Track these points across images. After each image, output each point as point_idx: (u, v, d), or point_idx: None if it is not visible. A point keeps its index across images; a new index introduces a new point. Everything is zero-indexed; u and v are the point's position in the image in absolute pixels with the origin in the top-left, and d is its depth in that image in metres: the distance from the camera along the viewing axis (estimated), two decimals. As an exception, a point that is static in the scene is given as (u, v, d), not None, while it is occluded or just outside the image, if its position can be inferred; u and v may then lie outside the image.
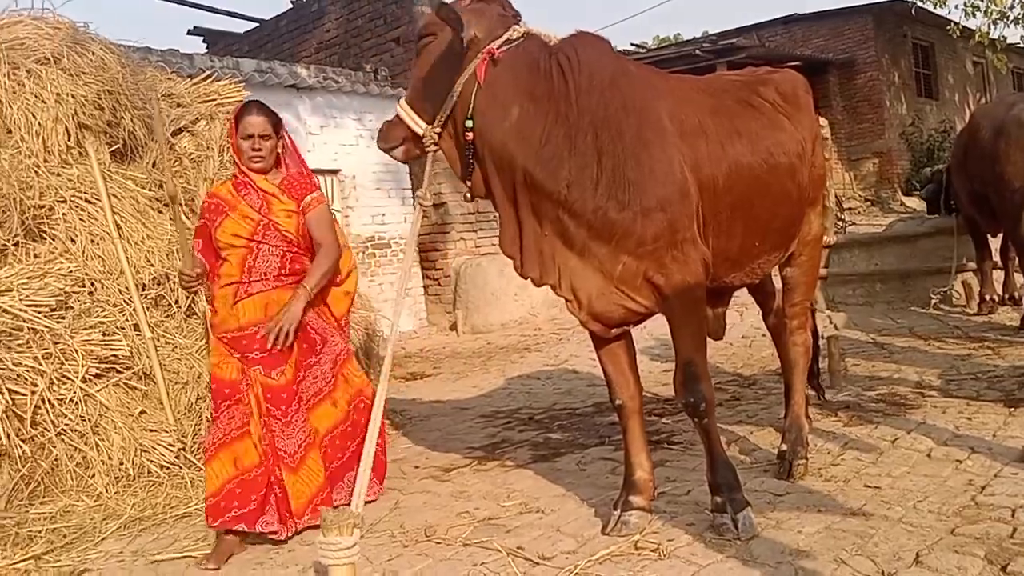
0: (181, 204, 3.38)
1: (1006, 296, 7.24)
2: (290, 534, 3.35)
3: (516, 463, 4.24)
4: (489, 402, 6.01)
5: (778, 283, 3.93)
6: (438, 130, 2.96)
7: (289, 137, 3.61)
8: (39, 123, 4.35)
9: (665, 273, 2.89)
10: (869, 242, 8.56)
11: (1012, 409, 4.23)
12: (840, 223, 8.91)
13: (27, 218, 4.18)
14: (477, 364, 7.95)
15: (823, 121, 3.93)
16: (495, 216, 3.10)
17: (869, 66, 18.52)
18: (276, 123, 3.46)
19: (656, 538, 2.99)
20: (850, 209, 15.42)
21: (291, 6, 12.92)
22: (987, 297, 7.19)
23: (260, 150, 3.38)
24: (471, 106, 2.90)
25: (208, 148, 4.91)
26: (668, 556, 2.83)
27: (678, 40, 29.13)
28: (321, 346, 3.51)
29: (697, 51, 16.98)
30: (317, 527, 2.50)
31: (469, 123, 2.91)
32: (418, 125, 2.98)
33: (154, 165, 4.72)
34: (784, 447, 3.64)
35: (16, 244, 4.16)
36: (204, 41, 14.35)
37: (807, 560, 2.68)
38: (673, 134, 2.94)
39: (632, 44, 21.31)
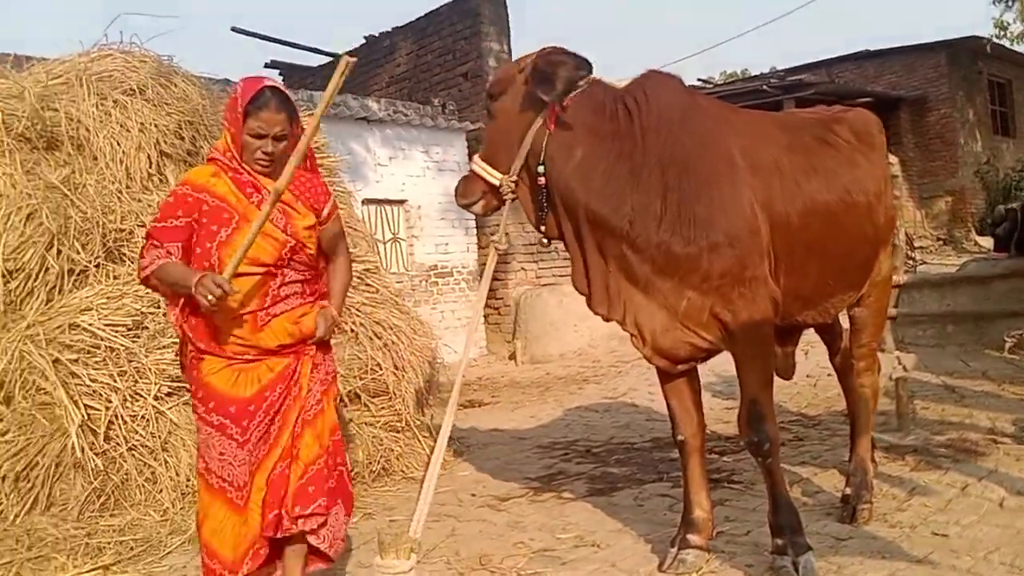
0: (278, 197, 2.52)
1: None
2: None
3: (573, 495, 4.23)
4: (546, 433, 6.00)
5: (845, 322, 3.87)
6: (514, 179, 3.00)
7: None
8: (123, 151, 4.56)
9: (732, 309, 2.87)
10: (941, 282, 8.33)
11: (1092, 460, 4.06)
12: (910, 262, 8.71)
13: (108, 241, 4.37)
14: (535, 394, 7.95)
15: (893, 159, 3.88)
16: (556, 247, 3.14)
17: (942, 103, 18.13)
18: (295, 118, 2.70)
19: (713, 577, 2.95)
20: (921, 248, 15.03)
21: (364, 41, 13.29)
22: (1065, 343, 6.91)
23: (272, 153, 2.64)
24: (543, 152, 2.95)
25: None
26: (725, 596, 2.78)
27: (745, 75, 28.97)
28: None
29: (764, 86, 16.85)
30: None
31: (541, 168, 2.96)
32: (494, 177, 3.03)
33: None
34: (848, 490, 3.56)
35: (97, 265, 4.35)
36: (280, 74, 14.84)
37: (870, 607, 2.61)
38: (744, 170, 2.95)
39: (699, 80, 21.25)
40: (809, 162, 3.18)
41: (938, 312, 7.97)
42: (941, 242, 16.94)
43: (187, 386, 3.56)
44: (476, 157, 3.12)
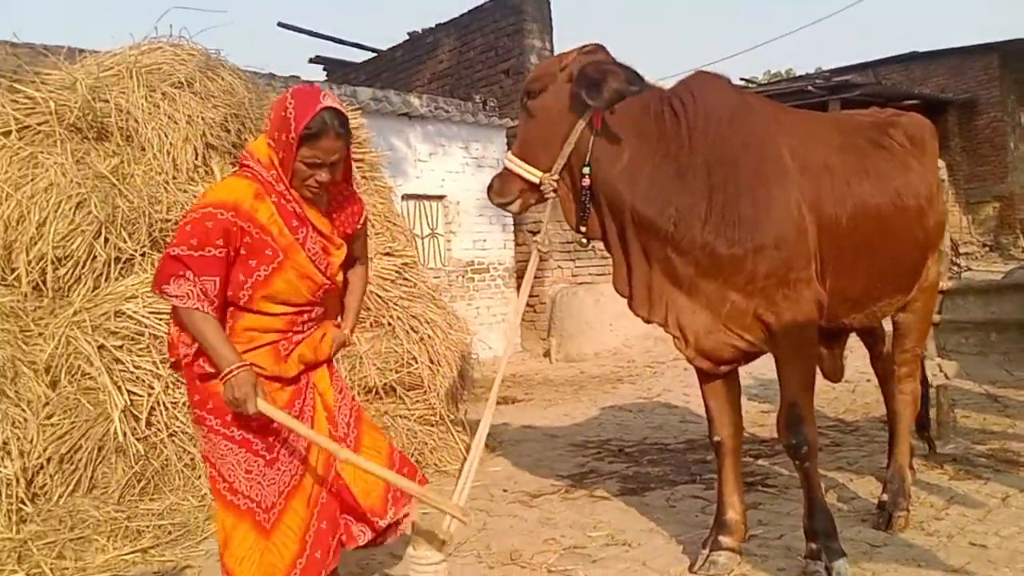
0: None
1: None
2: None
3: (605, 494, 4.23)
4: (580, 431, 6.00)
5: (888, 327, 3.82)
6: (556, 177, 2.97)
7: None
8: (170, 142, 4.66)
9: (776, 311, 2.86)
10: (986, 289, 8.16)
11: None
12: (955, 268, 8.56)
13: (154, 231, 4.46)
14: (569, 392, 7.95)
15: (940, 163, 3.83)
16: (594, 247, 3.12)
17: (992, 106, 17.74)
18: (350, 138, 2.51)
19: (744, 580, 2.93)
20: (967, 254, 14.76)
21: (407, 38, 13.38)
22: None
23: (324, 183, 2.45)
24: (588, 153, 2.92)
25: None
26: (756, 599, 2.77)
27: (790, 75, 28.61)
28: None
29: (809, 87, 16.63)
30: None
31: (586, 169, 2.92)
32: (533, 175, 2.98)
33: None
34: (885, 497, 3.51)
35: (143, 254, 4.44)
36: (324, 69, 14.99)
37: (904, 615, 2.58)
38: (794, 171, 2.93)
39: (741, 79, 21.05)
40: (861, 164, 3.15)
41: (982, 319, 7.82)
42: (987, 248, 16.61)
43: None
44: (510, 154, 3.06)
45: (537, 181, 2.98)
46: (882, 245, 3.18)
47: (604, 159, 2.91)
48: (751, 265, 2.82)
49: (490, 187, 3.13)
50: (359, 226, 2.67)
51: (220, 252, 2.34)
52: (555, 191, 3.01)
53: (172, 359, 2.53)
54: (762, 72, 31.72)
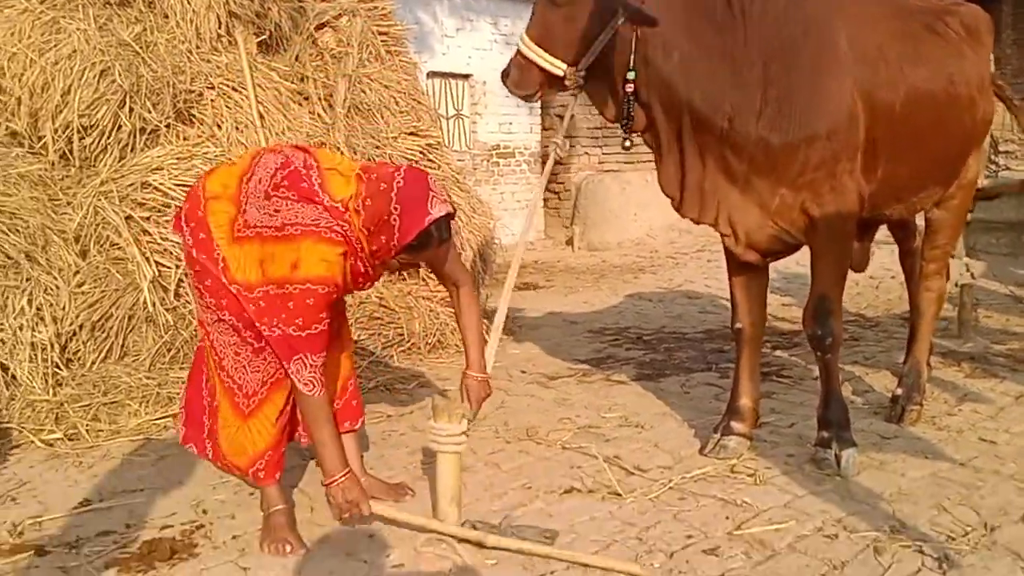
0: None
1: None
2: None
3: (620, 378, 4.31)
4: (599, 318, 6.06)
5: (920, 223, 3.77)
6: (583, 73, 2.83)
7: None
8: (193, 10, 4.53)
9: (821, 203, 2.83)
10: (1021, 189, 7.97)
11: None
12: (992, 167, 8.33)
13: (179, 102, 4.41)
14: (590, 280, 7.99)
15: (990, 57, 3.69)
16: (621, 131, 3.01)
17: (1050, -3, 16.84)
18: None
19: (753, 464, 3.01)
20: (1007, 153, 14.33)
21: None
22: None
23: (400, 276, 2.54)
24: (632, 53, 2.76)
25: (349, 44, 5.02)
26: (764, 483, 2.85)
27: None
28: None
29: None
30: None
31: (631, 75, 2.77)
32: (556, 68, 2.81)
33: (297, 58, 4.87)
34: (899, 391, 3.55)
35: (167, 126, 4.41)
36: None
37: (906, 503, 2.65)
38: (849, 58, 2.84)
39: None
40: (916, 49, 3.07)
41: (1015, 220, 7.68)
42: (1029, 147, 16.10)
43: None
44: (526, 40, 2.85)
45: (561, 75, 2.82)
46: (933, 133, 3.12)
47: (655, 59, 2.77)
48: (803, 156, 2.78)
49: (505, 74, 2.96)
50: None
51: (325, 324, 2.33)
52: (580, 88, 2.88)
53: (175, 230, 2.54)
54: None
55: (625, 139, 2.97)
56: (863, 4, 3.09)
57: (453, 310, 2.74)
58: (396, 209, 2.26)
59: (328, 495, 2.40)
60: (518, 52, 2.91)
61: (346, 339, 2.81)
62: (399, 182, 2.28)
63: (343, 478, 2.36)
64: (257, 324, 2.35)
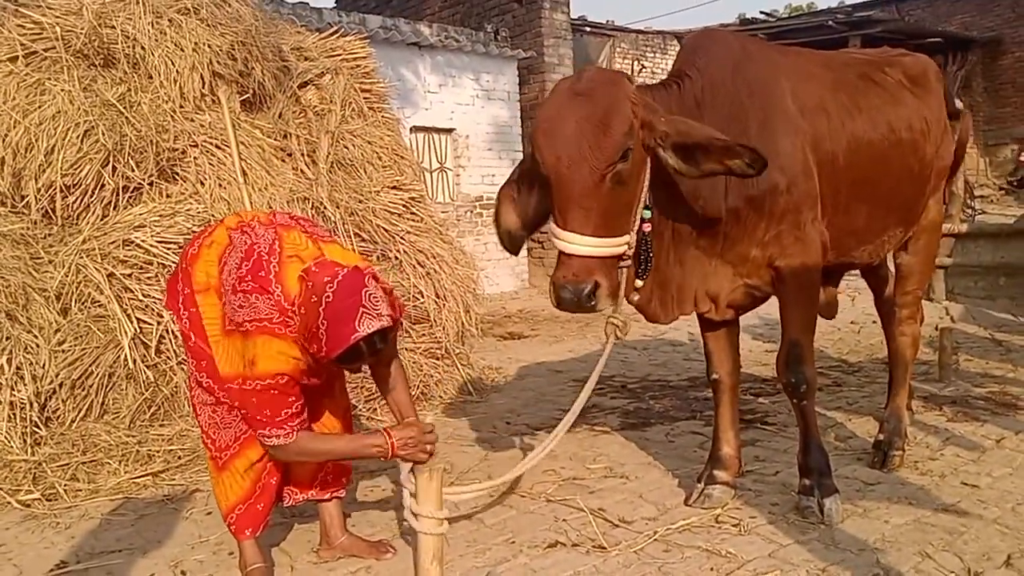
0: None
1: None
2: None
3: (605, 428, 4.30)
4: (584, 367, 6.06)
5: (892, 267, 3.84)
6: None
7: None
8: (177, 70, 4.60)
9: (787, 255, 2.88)
10: (996, 233, 8.08)
11: None
12: (968, 211, 8.47)
13: (162, 160, 4.45)
14: (575, 329, 8.00)
15: (958, 103, 3.79)
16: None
17: (1018, 46, 17.33)
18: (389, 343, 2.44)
19: (738, 514, 3.00)
20: (981, 197, 14.58)
21: (418, -37, 13.08)
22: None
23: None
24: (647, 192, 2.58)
25: (332, 101, 5.10)
26: (748, 532, 2.84)
27: (811, 9, 27.94)
28: None
29: (830, 22, 16.26)
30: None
31: (647, 213, 2.59)
32: (619, 246, 2.47)
33: (280, 116, 4.93)
34: (881, 436, 3.57)
35: (151, 184, 4.44)
36: (333, -5, 14.72)
37: (891, 550, 2.64)
38: (796, 113, 2.91)
39: (761, 12, 20.57)
40: (854, 101, 3.14)
41: (992, 264, 7.77)
42: (1003, 192, 16.41)
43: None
44: (576, 237, 2.40)
45: (623, 249, 2.51)
46: (880, 178, 3.20)
47: (657, 184, 2.63)
48: (768, 212, 2.81)
49: (565, 291, 2.42)
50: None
51: (297, 406, 2.39)
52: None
53: (169, 301, 2.59)
54: (783, 5, 30.97)
55: (635, 295, 2.77)
56: (800, 59, 3.18)
57: (377, 383, 2.71)
58: (323, 324, 2.20)
59: (401, 459, 2.43)
60: (571, 254, 2.43)
61: (339, 394, 2.78)
62: (328, 296, 2.20)
63: (388, 443, 2.40)
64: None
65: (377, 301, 2.25)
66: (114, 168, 4.26)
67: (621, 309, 2.71)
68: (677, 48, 16.06)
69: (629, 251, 2.54)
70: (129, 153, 4.29)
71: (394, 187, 5.19)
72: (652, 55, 15.69)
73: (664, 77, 2.99)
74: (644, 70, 14.93)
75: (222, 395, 2.46)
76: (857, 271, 3.91)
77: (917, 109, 3.36)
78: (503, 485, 2.77)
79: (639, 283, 2.72)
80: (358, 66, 5.51)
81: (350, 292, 2.22)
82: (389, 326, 2.27)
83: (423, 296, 4.92)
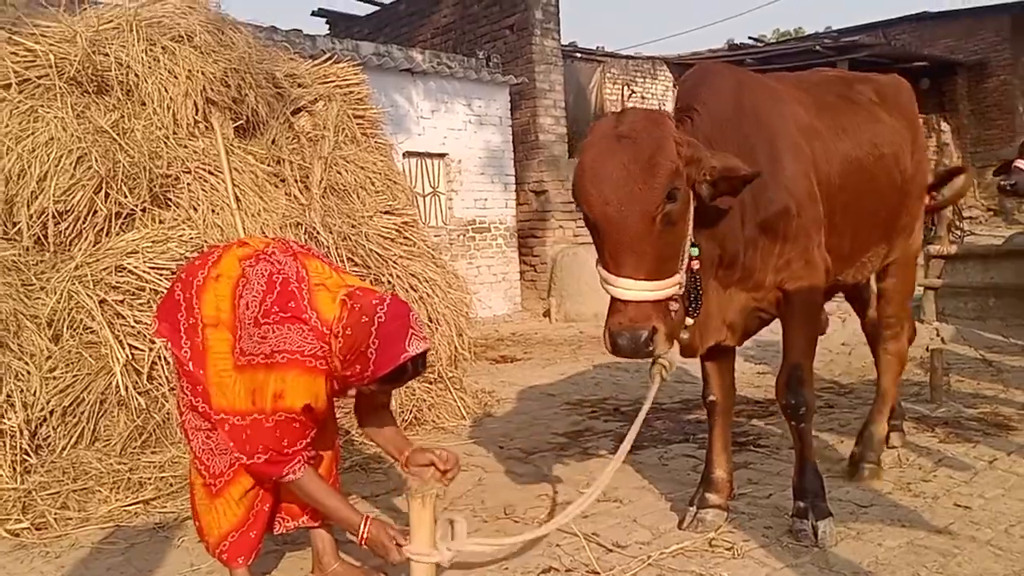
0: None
1: None
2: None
3: (598, 452, 4.29)
4: (576, 390, 6.06)
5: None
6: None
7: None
8: (170, 97, 4.63)
9: (795, 279, 2.90)
10: (986, 254, 8.16)
11: None
12: (957, 232, 8.54)
13: (155, 186, 4.47)
14: (567, 352, 8.01)
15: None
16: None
17: (1002, 69, 17.54)
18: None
19: (732, 537, 3.00)
20: (970, 218, 14.70)
21: (411, -10, 13.21)
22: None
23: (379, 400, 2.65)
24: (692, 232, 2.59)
25: (324, 128, 5.13)
26: (742, 556, 2.84)
27: (799, 34, 28.26)
28: None
29: (817, 47, 16.45)
30: None
31: (695, 251, 2.60)
32: (672, 287, 2.47)
33: (273, 142, 4.96)
34: (856, 449, 3.63)
35: (143, 210, 4.45)
36: (327, 22, 14.82)
37: (884, 573, 2.64)
38: (799, 139, 2.95)
39: (750, 38, 20.81)
40: (837, 121, 3.20)
41: (981, 284, 7.83)
42: (991, 213, 16.54)
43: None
44: (629, 283, 2.40)
45: (676, 290, 2.50)
46: (866, 196, 3.25)
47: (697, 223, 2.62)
48: (781, 238, 2.83)
49: (622, 341, 2.40)
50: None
51: (309, 437, 2.41)
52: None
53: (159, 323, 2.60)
54: (771, 31, 31.30)
55: (685, 336, 2.72)
56: (786, 84, 3.23)
57: (369, 420, 2.71)
58: (375, 343, 2.27)
59: (366, 547, 2.38)
60: (627, 300, 2.42)
61: (331, 432, 2.76)
62: (380, 317, 2.28)
63: (367, 530, 2.35)
64: (235, 452, 2.38)
65: (421, 326, 2.37)
66: (107, 194, 4.27)
67: (671, 363, 2.74)
68: (667, 73, 16.25)
69: (680, 291, 2.52)
70: (122, 179, 4.31)
71: (387, 212, 5.21)
72: (642, 80, 15.84)
73: (654, 102, 3.04)
74: (634, 95, 15.06)
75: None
76: (842, 294, 3.94)
77: (892, 126, 3.43)
78: (525, 543, 2.75)
79: (689, 321, 2.71)
80: (351, 92, 5.55)
81: (399, 315, 2.32)
82: (426, 353, 2.37)
83: (416, 320, 4.91)
